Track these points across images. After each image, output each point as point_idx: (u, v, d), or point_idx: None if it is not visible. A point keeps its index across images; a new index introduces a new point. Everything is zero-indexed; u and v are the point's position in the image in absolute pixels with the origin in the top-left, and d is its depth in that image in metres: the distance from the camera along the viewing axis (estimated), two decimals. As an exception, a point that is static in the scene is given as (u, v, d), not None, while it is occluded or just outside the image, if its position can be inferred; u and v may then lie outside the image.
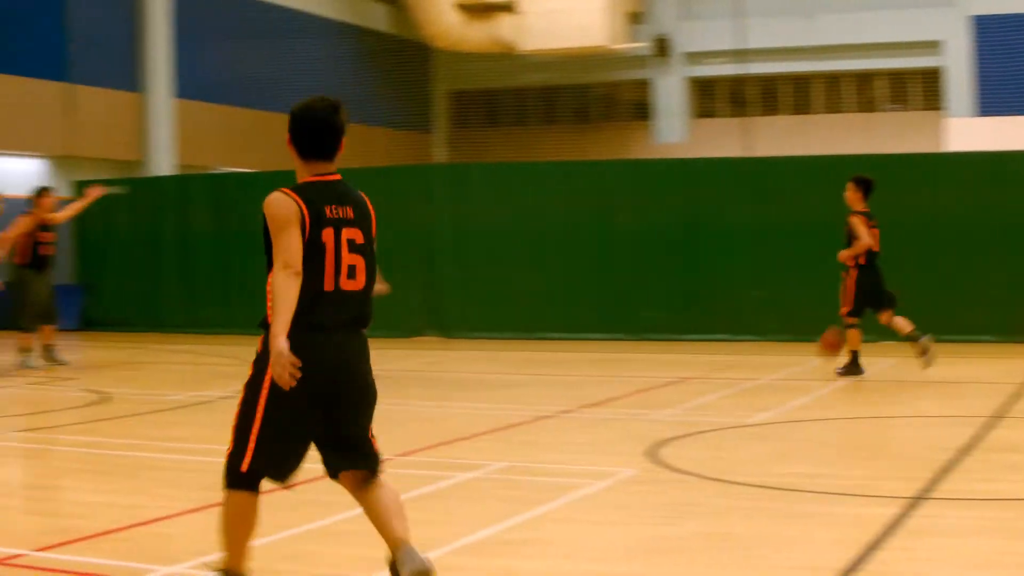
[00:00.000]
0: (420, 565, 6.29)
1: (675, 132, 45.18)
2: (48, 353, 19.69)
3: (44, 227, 19.48)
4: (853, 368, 16.88)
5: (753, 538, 7.95)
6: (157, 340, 23.50)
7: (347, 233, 6.33)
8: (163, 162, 36.05)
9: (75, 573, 7.17)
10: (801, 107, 44.37)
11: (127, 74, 36.01)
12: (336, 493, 9.30)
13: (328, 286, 6.26)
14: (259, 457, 6.41)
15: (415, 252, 24.59)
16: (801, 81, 44.20)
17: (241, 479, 6.40)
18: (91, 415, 14.19)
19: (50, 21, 33.15)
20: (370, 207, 6.60)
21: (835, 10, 42.39)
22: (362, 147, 41.91)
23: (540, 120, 48.19)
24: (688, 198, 23.31)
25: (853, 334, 16.88)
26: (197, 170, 35.52)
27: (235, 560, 6.45)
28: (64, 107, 32.44)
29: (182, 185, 28.70)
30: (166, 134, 36.48)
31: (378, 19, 45.88)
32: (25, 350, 19.42)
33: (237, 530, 6.41)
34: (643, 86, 46.18)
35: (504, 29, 42.33)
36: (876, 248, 16.81)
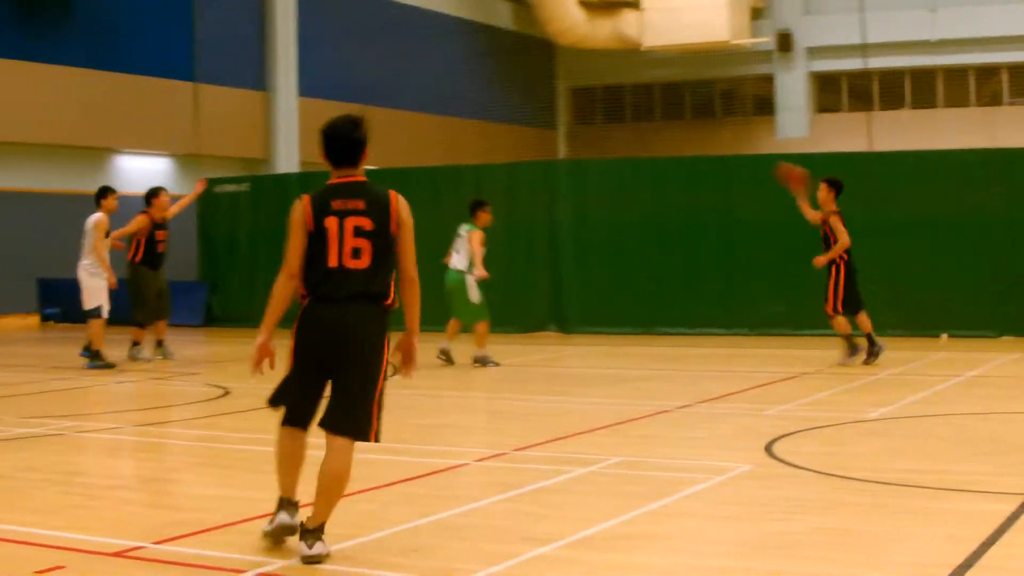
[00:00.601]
0: (316, 554, 7.30)
1: (797, 127, 44.79)
2: (159, 347, 20.20)
3: (159, 226, 20.10)
4: (874, 351, 17.78)
5: (869, 534, 7.86)
6: (278, 336, 23.66)
7: (353, 221, 7.53)
8: (287, 160, 36.39)
9: (193, 566, 7.23)
10: (923, 101, 43.81)
11: (252, 73, 36.40)
12: (451, 488, 9.38)
13: (332, 263, 7.49)
14: (278, 399, 7.88)
15: (537, 248, 24.64)
16: (923, 75, 43.64)
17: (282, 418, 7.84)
18: (212, 409, 14.36)
19: (177, 22, 33.57)
20: (392, 203, 7.66)
21: (957, 3, 41.83)
22: (486, 143, 42.06)
23: (662, 116, 48.00)
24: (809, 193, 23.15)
25: (843, 322, 17.72)
26: (321, 168, 35.73)
27: (285, 488, 7.76)
28: (191, 106, 32.84)
29: (305, 183, 28.89)
30: (290, 132, 36.79)
31: (502, 16, 45.92)
32: (137, 343, 19.95)
33: (283, 462, 7.84)
34: (765, 81, 45.88)
35: (627, 26, 42.29)
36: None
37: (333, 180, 7.77)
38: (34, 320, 30.32)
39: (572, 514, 8.50)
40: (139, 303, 19.98)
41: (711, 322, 23.37)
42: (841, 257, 17.59)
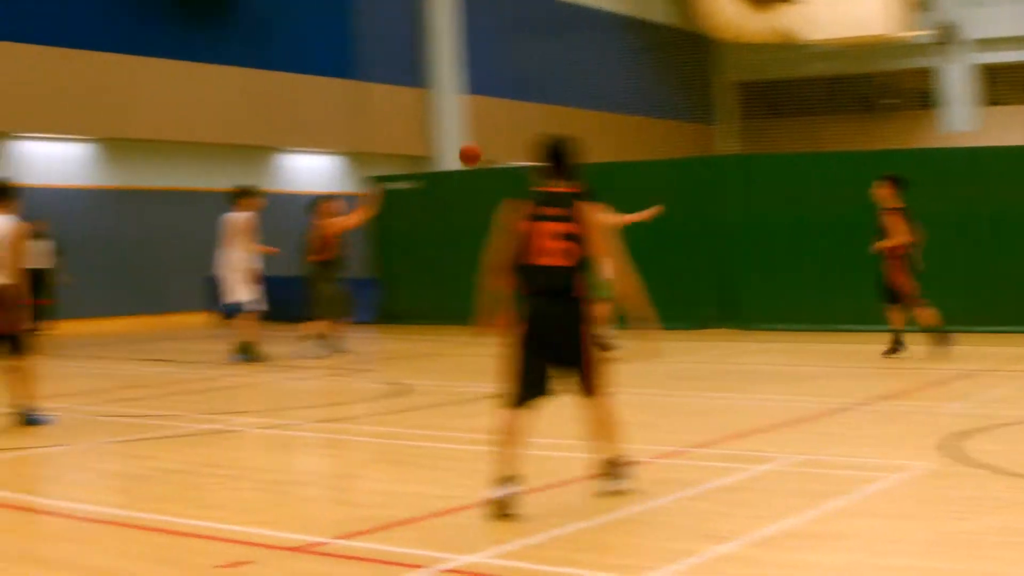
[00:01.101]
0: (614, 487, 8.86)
1: (962, 120, 44.06)
2: (335, 343, 20.58)
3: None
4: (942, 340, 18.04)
5: (1053, 533, 7.73)
6: (452, 332, 23.82)
7: (553, 226, 8.69)
8: (452, 157, 36.59)
9: (374, 561, 7.30)
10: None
11: (414, 71, 36.65)
12: (633, 484, 9.35)
13: (530, 262, 8.71)
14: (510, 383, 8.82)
15: (704, 244, 24.49)
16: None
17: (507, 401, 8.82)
18: (389, 406, 14.48)
19: (339, 21, 33.93)
20: (585, 211, 8.77)
21: None
22: (644, 139, 41.95)
23: (823, 110, 47.50)
24: (976, 187, 22.77)
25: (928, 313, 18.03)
26: (485, 165, 35.90)
27: (503, 467, 8.53)
28: (353, 104, 33.19)
29: (475, 179, 29.00)
30: (454, 129, 37.00)
31: (660, 12, 45.80)
32: (311, 338, 20.53)
33: (507, 441, 8.66)
34: (928, 74, 45.17)
35: (786, 19, 41.90)
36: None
37: (537, 189, 8.97)
38: (205, 317, 30.85)
39: (752, 512, 8.45)
40: (318, 301, 20.55)
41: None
42: (897, 251, 17.84)
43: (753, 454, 10.57)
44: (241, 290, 19.61)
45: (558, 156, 9.02)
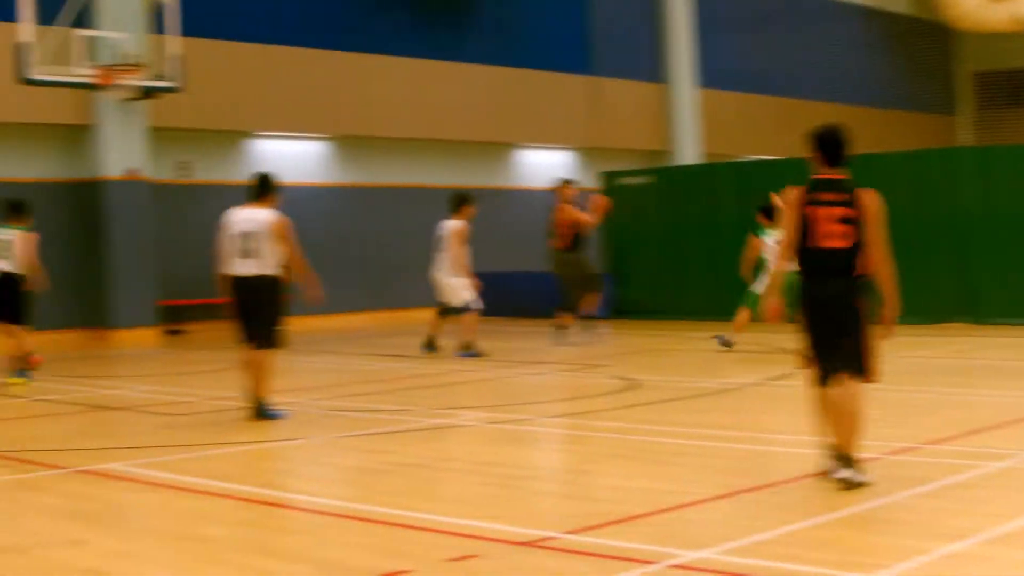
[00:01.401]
0: (848, 479, 8.87)
1: None
2: (567, 336, 21.79)
3: None
4: None
5: None
6: (684, 327, 23.72)
7: (833, 211, 9.16)
8: (688, 151, 36.41)
9: (602, 556, 7.28)
10: None
11: (650, 65, 36.58)
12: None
13: (811, 245, 9.17)
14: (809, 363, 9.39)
15: (943, 237, 23.93)
16: None
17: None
18: (622, 401, 14.45)
19: (574, 16, 34.01)
20: (864, 196, 9.20)
21: None
22: (883, 130, 41.23)
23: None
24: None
25: None
26: (722, 158, 35.68)
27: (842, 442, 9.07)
28: (589, 100, 33.21)
29: (708, 174, 28.86)
30: (690, 123, 36.82)
31: (898, 2, 44.95)
32: (564, 327, 21.70)
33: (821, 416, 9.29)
34: None
35: (1025, 9, 40.80)
36: None
37: (818, 176, 9.40)
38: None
39: (987, 509, 8.26)
40: (572, 287, 21.86)
41: None
42: None
43: (988, 451, 10.35)
44: (461, 292, 20.25)
45: (836, 144, 9.45)
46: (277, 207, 14.12)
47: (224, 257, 13.86)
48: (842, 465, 8.93)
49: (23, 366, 18.24)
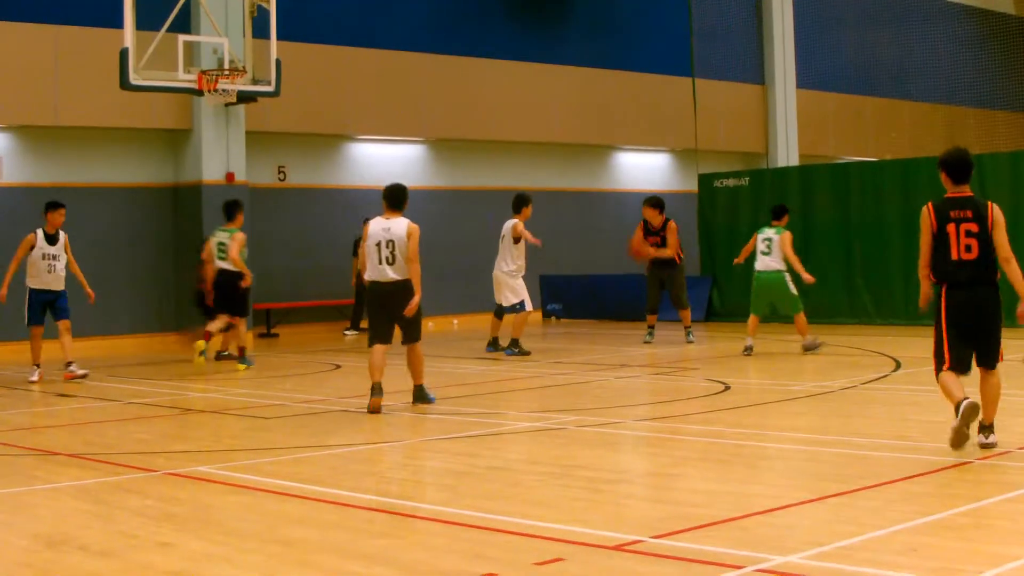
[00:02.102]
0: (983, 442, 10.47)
1: None
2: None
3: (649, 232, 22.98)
4: None
5: None
6: (778, 330, 23.54)
7: (965, 226, 10.51)
8: (786, 153, 36.20)
9: (691, 560, 7.23)
10: None
11: (750, 66, 36.45)
12: (953, 486, 9.08)
13: (953, 257, 10.56)
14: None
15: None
16: None
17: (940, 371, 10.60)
18: (711, 404, 14.39)
19: (675, 17, 33.93)
20: (990, 210, 10.54)
21: None
22: (985, 132, 40.72)
23: None
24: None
25: None
26: (820, 160, 35.45)
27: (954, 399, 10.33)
28: (689, 101, 33.11)
29: (805, 175, 28.65)
30: (789, 125, 36.61)
31: (1003, 1, 44.42)
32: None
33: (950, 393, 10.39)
34: None
35: None
36: None
37: (948, 195, 10.76)
38: (536, 316, 31.20)
39: (1083, 516, 8.13)
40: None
41: None
42: None
43: (1087, 456, 10.18)
44: (515, 291, 21.13)
45: (966, 165, 10.68)
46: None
47: (364, 264, 14.93)
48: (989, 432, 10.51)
49: (241, 354, 20.55)
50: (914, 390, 15.07)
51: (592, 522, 8.34)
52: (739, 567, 7.00)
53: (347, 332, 28.00)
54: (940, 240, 10.64)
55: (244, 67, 22.23)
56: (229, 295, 20.35)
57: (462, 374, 19.08)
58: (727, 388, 15.73)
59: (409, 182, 29.53)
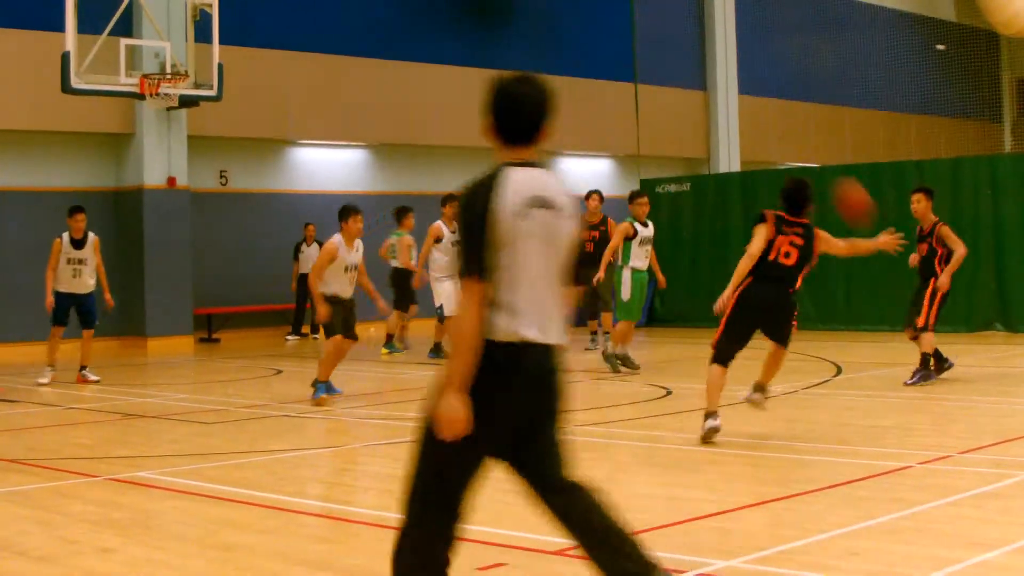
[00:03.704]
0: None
1: None
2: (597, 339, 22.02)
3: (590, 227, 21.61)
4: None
5: None
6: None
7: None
8: (727, 159, 36.33)
9: (632, 565, 7.24)
10: None
11: (692, 72, 36.53)
12: (894, 491, 9.15)
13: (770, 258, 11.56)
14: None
15: (982, 245, 23.79)
16: None
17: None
18: (653, 409, 14.44)
19: (617, 24, 33.98)
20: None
21: None
22: (926, 137, 41.03)
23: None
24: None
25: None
26: (762, 166, 35.62)
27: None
28: (631, 107, 33.20)
29: (747, 181, 28.80)
30: (731, 131, 36.74)
31: (944, 8, 44.76)
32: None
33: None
34: None
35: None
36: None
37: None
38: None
39: (1018, 519, 8.24)
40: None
41: None
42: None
43: (1019, 460, 10.32)
44: (437, 295, 21.24)
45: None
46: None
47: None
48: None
49: (388, 340, 23.09)
50: (855, 395, 15.17)
51: (533, 527, 8.30)
52: (681, 572, 7.03)
53: (289, 338, 27.93)
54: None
55: (186, 71, 22.15)
56: (399, 291, 22.57)
57: (403, 379, 19.08)
58: (669, 393, 15.79)
59: (351, 187, 29.53)
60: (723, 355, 11.87)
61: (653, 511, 8.70)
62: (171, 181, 26.22)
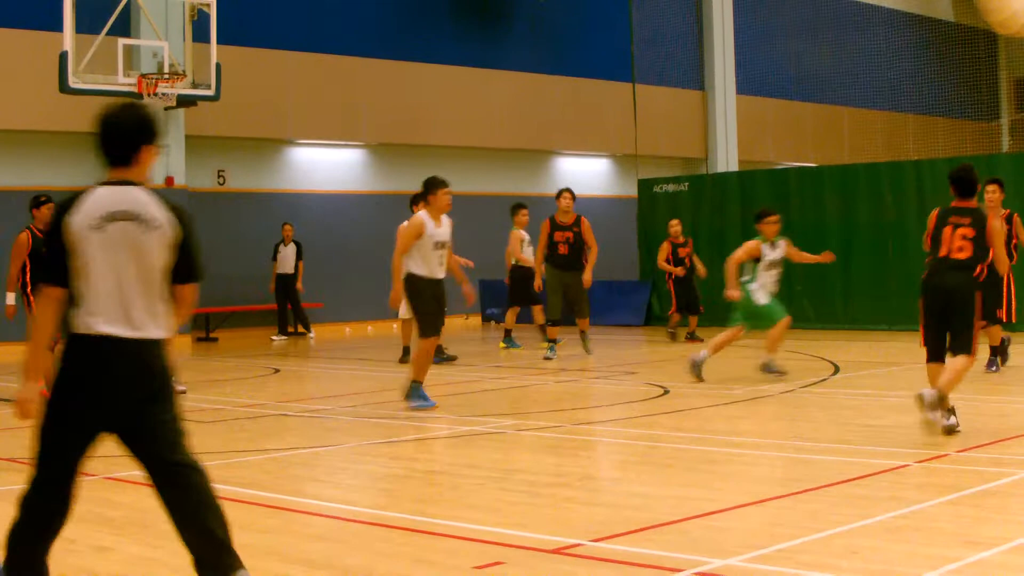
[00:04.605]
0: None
1: None
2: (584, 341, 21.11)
3: (559, 227, 20.78)
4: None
5: None
6: (715, 334, 23.58)
7: (960, 231, 11.66)
8: (725, 158, 36.35)
9: (630, 563, 7.24)
10: None
11: (690, 72, 36.57)
12: (893, 489, 9.14)
13: (942, 254, 11.62)
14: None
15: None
16: None
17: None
18: (651, 408, 14.43)
19: (616, 24, 34.00)
20: (987, 219, 11.81)
21: None
22: (927, 138, 41.04)
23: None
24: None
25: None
26: (759, 165, 35.63)
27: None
28: (630, 107, 33.22)
29: (745, 181, 28.81)
30: (729, 131, 36.77)
31: (942, 8, 44.80)
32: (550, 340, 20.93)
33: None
34: None
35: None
36: None
37: (955, 204, 11.88)
38: (476, 320, 31.21)
39: (1016, 518, 8.26)
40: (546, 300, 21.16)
41: None
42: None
43: (1020, 458, 10.31)
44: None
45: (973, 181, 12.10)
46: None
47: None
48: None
49: (507, 335, 23.29)
50: (852, 394, 15.16)
51: (532, 526, 8.34)
52: (678, 570, 7.02)
53: (275, 338, 27.87)
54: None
55: (184, 71, 22.15)
56: (517, 288, 22.85)
57: (401, 378, 19.07)
58: (666, 392, 15.78)
59: (349, 187, 29.57)
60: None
61: (650, 509, 8.70)
62: (169, 181, 26.21)
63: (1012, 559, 7.11)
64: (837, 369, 18.10)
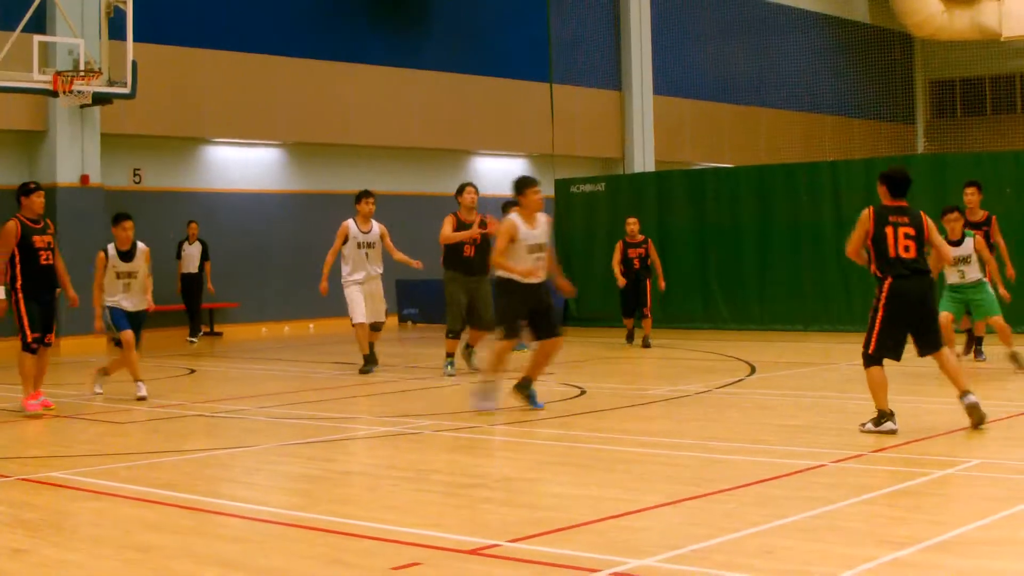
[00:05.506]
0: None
1: None
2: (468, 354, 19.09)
3: (464, 226, 18.72)
4: None
5: None
6: (634, 335, 23.69)
7: (903, 230, 11.70)
8: (642, 159, 36.49)
9: (547, 564, 7.25)
10: None
11: (608, 73, 36.69)
12: (807, 489, 9.22)
13: (892, 255, 11.65)
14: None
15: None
16: None
17: (868, 360, 12.00)
18: (568, 409, 14.45)
19: (533, 24, 34.04)
20: (922, 218, 11.91)
21: None
22: (841, 138, 41.41)
23: (1023, 108, 46.47)
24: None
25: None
26: (676, 166, 35.80)
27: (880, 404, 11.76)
28: (547, 107, 33.28)
29: (662, 181, 28.93)
30: (646, 131, 36.92)
31: (859, 10, 45.21)
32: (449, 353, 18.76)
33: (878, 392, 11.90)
34: None
35: (986, 16, 41.06)
36: None
37: (886, 203, 11.95)
38: (392, 321, 31.14)
39: (930, 517, 8.31)
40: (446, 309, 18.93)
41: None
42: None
43: (934, 458, 10.43)
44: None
45: (908, 181, 12.17)
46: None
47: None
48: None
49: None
50: (768, 394, 15.27)
51: (449, 526, 8.34)
52: (595, 570, 7.04)
53: (192, 340, 27.63)
54: (879, 240, 11.74)
55: (100, 68, 21.95)
56: None
57: (318, 378, 19.01)
58: (583, 392, 15.82)
59: (265, 186, 29.45)
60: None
61: (568, 510, 8.72)
62: (84, 179, 26.00)
63: (926, 558, 7.17)
64: (753, 369, 18.21)
